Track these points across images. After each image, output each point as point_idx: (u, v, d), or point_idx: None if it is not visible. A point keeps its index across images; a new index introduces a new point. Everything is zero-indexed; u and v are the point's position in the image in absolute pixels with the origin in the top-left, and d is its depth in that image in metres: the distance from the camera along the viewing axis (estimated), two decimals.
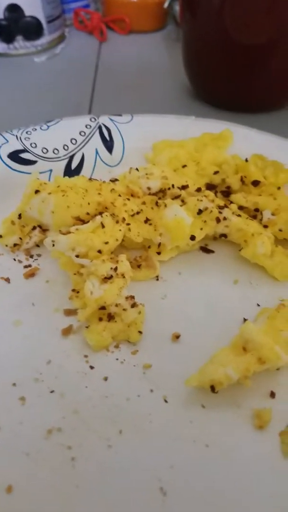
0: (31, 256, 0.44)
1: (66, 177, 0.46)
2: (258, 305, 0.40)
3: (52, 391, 0.33)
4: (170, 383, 0.34)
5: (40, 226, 0.45)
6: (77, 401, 0.33)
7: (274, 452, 0.30)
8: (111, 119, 0.54)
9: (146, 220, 0.44)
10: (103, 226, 0.41)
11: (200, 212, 0.43)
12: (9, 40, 0.81)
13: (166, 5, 0.91)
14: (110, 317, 0.38)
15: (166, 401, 0.33)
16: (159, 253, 0.44)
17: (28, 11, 0.79)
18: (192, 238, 0.43)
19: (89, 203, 0.43)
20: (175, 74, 0.78)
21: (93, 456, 0.30)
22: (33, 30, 0.81)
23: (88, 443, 0.30)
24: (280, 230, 0.44)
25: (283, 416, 0.32)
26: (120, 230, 0.42)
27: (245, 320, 0.38)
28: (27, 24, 0.80)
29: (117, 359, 0.36)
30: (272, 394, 0.33)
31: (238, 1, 0.56)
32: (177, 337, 0.37)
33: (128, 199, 0.45)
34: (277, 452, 0.30)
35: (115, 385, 0.34)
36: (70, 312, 0.39)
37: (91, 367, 0.35)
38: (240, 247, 0.44)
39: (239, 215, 0.44)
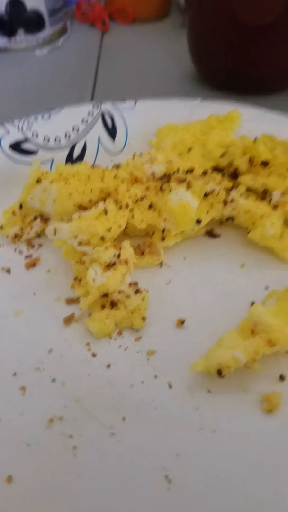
0: (32, 246, 0.44)
1: (68, 164, 0.45)
2: (267, 288, 0.39)
3: (53, 380, 0.32)
4: (175, 368, 0.33)
5: (41, 216, 0.44)
6: (79, 389, 0.32)
7: (284, 437, 0.29)
8: (114, 105, 0.53)
9: (150, 206, 0.43)
10: (106, 213, 0.40)
11: (206, 194, 0.41)
12: (10, 33, 0.80)
13: None
14: (113, 304, 0.37)
15: (170, 387, 0.32)
16: (163, 239, 0.42)
17: (30, 4, 0.78)
18: (198, 221, 0.41)
19: (91, 190, 0.42)
20: (180, 62, 0.76)
21: (96, 444, 0.29)
22: (34, 23, 0.80)
23: (90, 432, 0.29)
24: None
25: None
26: (123, 216, 0.41)
27: (252, 303, 0.37)
28: (29, 17, 0.79)
29: (120, 346, 0.35)
30: (282, 378, 0.32)
31: None
32: (182, 322, 0.36)
33: (132, 185, 0.43)
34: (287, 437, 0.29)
35: (118, 372, 0.33)
36: (72, 301, 0.38)
37: (94, 355, 0.34)
38: (247, 231, 0.42)
39: (247, 197, 0.42)
